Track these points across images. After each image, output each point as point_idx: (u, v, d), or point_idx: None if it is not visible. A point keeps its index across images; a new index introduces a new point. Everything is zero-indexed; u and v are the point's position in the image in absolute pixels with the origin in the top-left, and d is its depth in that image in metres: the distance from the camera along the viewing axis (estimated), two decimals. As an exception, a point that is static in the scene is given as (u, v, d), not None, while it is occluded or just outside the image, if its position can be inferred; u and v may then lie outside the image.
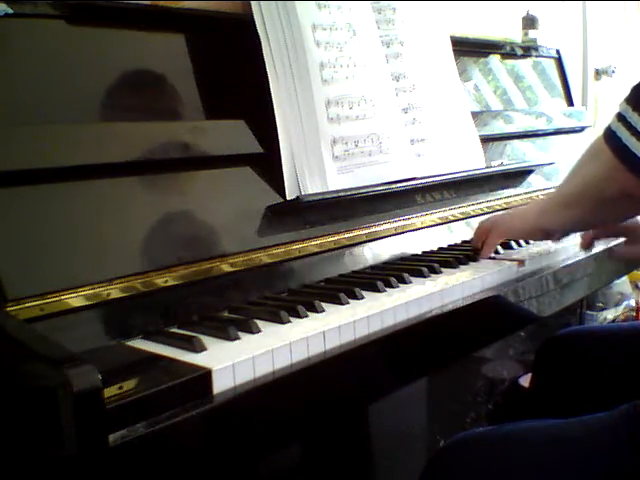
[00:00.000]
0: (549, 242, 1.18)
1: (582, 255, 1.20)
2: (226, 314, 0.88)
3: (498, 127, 1.51)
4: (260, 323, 0.80)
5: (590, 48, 2.55)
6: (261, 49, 1.05)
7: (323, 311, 0.85)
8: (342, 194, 1.07)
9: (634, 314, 2.36)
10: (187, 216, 0.92)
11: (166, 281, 0.85)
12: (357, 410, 1.24)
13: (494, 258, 1.13)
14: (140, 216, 0.87)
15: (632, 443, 0.77)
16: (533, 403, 1.25)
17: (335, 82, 1.11)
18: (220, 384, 0.68)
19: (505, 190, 1.42)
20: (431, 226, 1.23)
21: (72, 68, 0.90)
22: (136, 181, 0.89)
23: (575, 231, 1.18)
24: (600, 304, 2.30)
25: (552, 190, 1.48)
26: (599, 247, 1.25)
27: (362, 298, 0.91)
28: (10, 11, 0.84)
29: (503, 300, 1.01)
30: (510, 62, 1.72)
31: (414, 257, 1.15)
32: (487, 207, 1.35)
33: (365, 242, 1.11)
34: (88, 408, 0.56)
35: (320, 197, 1.05)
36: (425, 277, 1.01)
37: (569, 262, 1.16)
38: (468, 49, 1.57)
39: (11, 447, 0.64)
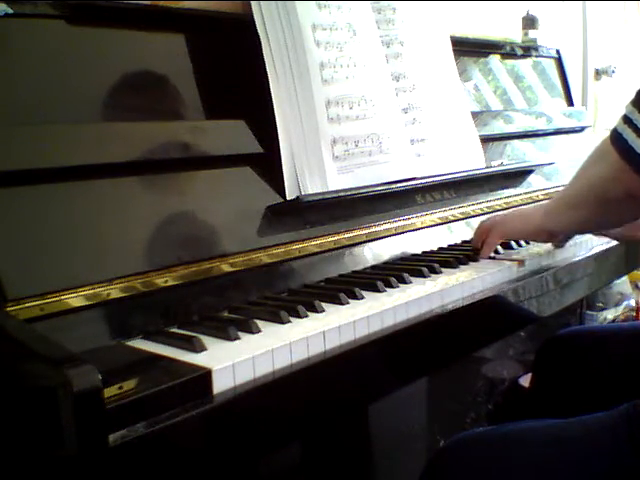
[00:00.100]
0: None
1: (582, 255, 1.20)
2: (226, 314, 0.88)
3: (498, 127, 1.51)
4: (260, 323, 0.80)
5: (590, 48, 2.55)
6: (261, 49, 1.05)
7: (323, 311, 0.85)
8: (342, 194, 1.07)
9: (634, 314, 2.36)
10: (187, 216, 0.92)
11: (166, 281, 0.85)
12: (357, 410, 1.24)
13: (494, 258, 1.13)
14: (140, 216, 0.87)
15: (632, 443, 0.77)
16: (533, 403, 1.25)
17: (335, 82, 1.11)
18: (220, 384, 0.68)
19: (505, 190, 1.42)
20: (431, 226, 1.23)
21: (72, 68, 0.90)
22: (136, 181, 0.89)
23: (579, 232, 1.19)
24: (600, 304, 2.30)
25: (552, 190, 1.50)
26: (599, 247, 1.25)
27: (362, 298, 0.91)
28: (10, 11, 0.84)
29: (503, 300, 1.01)
30: (510, 62, 1.72)
31: (414, 257, 1.15)
32: (487, 207, 1.35)
33: (365, 242, 1.11)
34: (88, 408, 0.56)
35: (320, 197, 1.05)
36: (425, 277, 1.01)
37: (569, 262, 1.16)
38: (468, 49, 1.57)
39: (11, 447, 0.64)
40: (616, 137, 0.85)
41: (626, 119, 0.84)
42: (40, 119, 0.85)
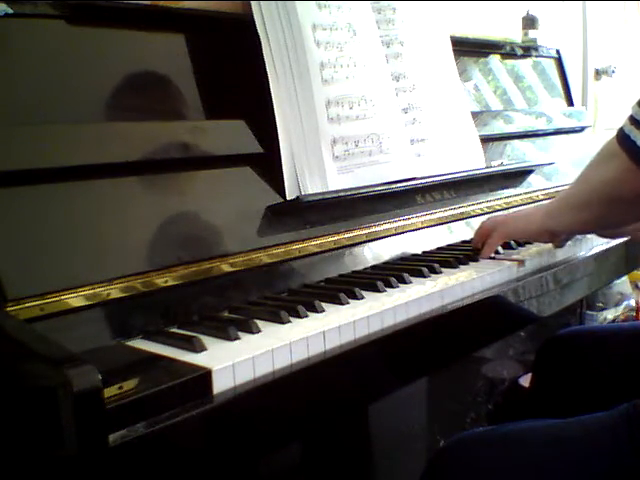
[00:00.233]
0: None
1: (582, 255, 1.20)
2: (226, 314, 0.88)
3: (498, 127, 1.51)
4: (260, 323, 0.80)
5: (590, 48, 2.55)
6: (261, 49, 1.05)
7: (323, 311, 0.85)
8: (342, 194, 1.07)
9: (634, 314, 2.36)
10: (187, 216, 0.92)
11: (166, 281, 0.85)
12: (357, 410, 1.24)
13: (494, 258, 1.13)
14: (140, 216, 0.87)
15: (632, 443, 0.78)
16: (533, 403, 1.25)
17: (335, 82, 1.11)
18: (220, 384, 0.68)
19: (505, 190, 1.42)
20: (431, 226, 1.23)
21: (72, 68, 0.90)
22: (136, 181, 0.89)
23: (582, 233, 1.19)
24: (600, 304, 2.30)
25: (552, 190, 1.50)
26: (599, 247, 1.25)
27: (362, 298, 0.91)
28: (10, 11, 0.84)
29: (503, 300, 1.01)
30: (510, 62, 1.72)
31: (414, 257, 1.15)
32: (487, 207, 1.35)
33: (365, 242, 1.11)
34: (88, 408, 0.56)
35: (320, 197, 1.05)
36: (425, 277, 1.01)
37: (569, 262, 1.16)
38: (468, 49, 1.57)
39: (11, 447, 0.64)
40: (624, 138, 0.85)
41: (633, 120, 0.84)
42: (40, 119, 0.85)
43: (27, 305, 0.72)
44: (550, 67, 1.85)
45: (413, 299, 0.90)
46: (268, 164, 1.03)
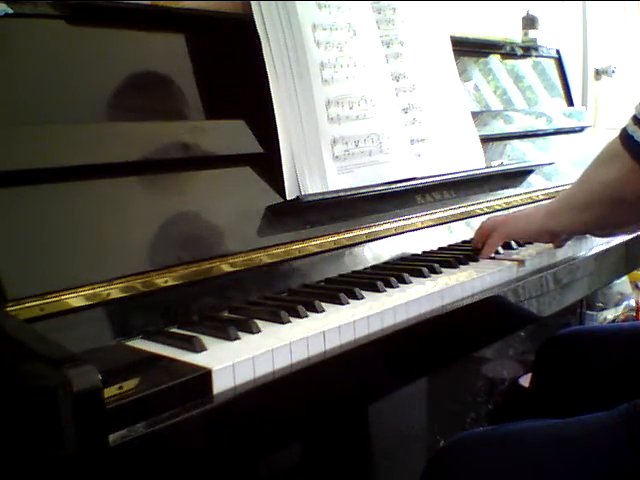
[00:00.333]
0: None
1: (582, 255, 1.20)
2: (226, 314, 0.88)
3: (498, 127, 1.51)
4: (260, 323, 0.80)
5: (590, 48, 2.55)
6: (261, 49, 1.05)
7: (323, 311, 0.85)
8: (342, 194, 1.07)
9: (634, 314, 2.36)
10: (187, 216, 0.92)
11: (166, 281, 0.85)
12: (357, 410, 1.24)
13: (494, 258, 1.13)
14: (140, 216, 0.87)
15: (632, 443, 0.77)
16: (533, 403, 1.25)
17: (335, 82, 1.11)
18: (220, 384, 0.68)
19: (505, 190, 1.42)
20: (431, 226, 1.23)
21: (72, 68, 0.90)
22: (136, 181, 0.89)
23: (582, 234, 1.19)
24: (600, 304, 2.30)
25: (552, 190, 1.50)
26: (599, 247, 1.25)
27: (362, 298, 0.91)
28: (10, 11, 0.84)
29: (503, 300, 1.01)
30: (510, 62, 1.72)
31: (414, 257, 1.15)
32: (487, 207, 1.35)
33: (365, 242, 1.11)
34: (88, 408, 0.56)
35: (320, 197, 1.05)
36: (425, 277, 1.01)
37: (569, 262, 1.16)
38: (468, 49, 1.57)
39: (11, 447, 0.64)
40: (627, 138, 0.85)
41: (636, 120, 0.84)
42: (40, 119, 0.85)
43: (27, 305, 0.72)
44: (550, 67, 1.85)
45: (413, 299, 0.90)
46: (268, 164, 1.03)
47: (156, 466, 0.62)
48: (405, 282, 0.98)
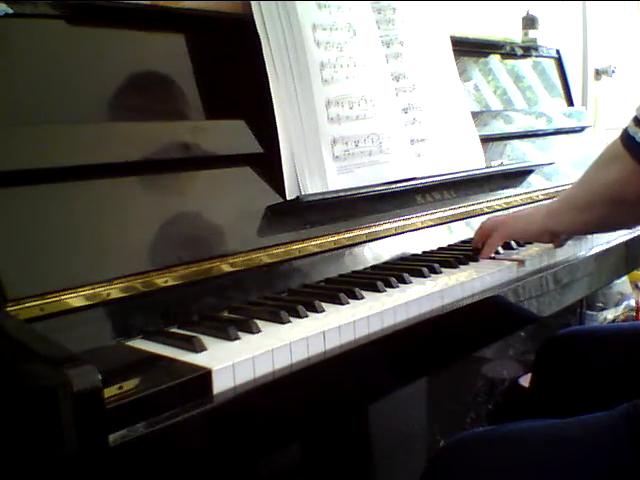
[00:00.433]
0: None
1: (582, 255, 1.20)
2: (226, 314, 0.88)
3: (498, 127, 1.51)
4: (260, 323, 0.80)
5: (590, 48, 2.55)
6: (261, 49, 1.05)
7: (323, 311, 0.85)
8: (342, 194, 1.07)
9: (634, 314, 2.36)
10: (187, 216, 0.92)
11: (166, 281, 0.85)
12: (357, 410, 1.24)
13: (494, 258, 1.13)
14: (140, 216, 0.87)
15: (632, 443, 0.77)
16: (533, 403, 1.25)
17: (335, 82, 1.11)
18: (220, 384, 0.68)
19: (505, 190, 1.42)
20: (431, 226, 1.23)
21: (72, 68, 0.90)
22: (136, 181, 0.89)
23: (583, 234, 1.19)
24: (600, 304, 2.30)
25: (552, 190, 1.50)
26: (599, 247, 1.25)
27: (362, 298, 0.91)
28: (10, 11, 0.84)
29: (503, 300, 1.01)
30: (510, 62, 1.72)
31: (414, 257, 1.15)
32: (487, 207, 1.35)
33: (365, 242, 1.11)
34: (88, 408, 0.56)
35: (320, 197, 1.05)
36: (425, 277, 1.01)
37: (569, 262, 1.16)
38: (468, 49, 1.57)
39: (11, 447, 0.64)
40: (628, 139, 0.85)
41: (637, 121, 0.84)
42: (40, 119, 0.85)
43: (27, 305, 0.72)
44: (550, 67, 1.85)
45: (413, 299, 0.90)
46: (268, 164, 1.03)
47: (156, 466, 0.62)
48: (405, 282, 0.98)
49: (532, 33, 1.86)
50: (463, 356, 1.21)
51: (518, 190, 1.46)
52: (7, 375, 0.65)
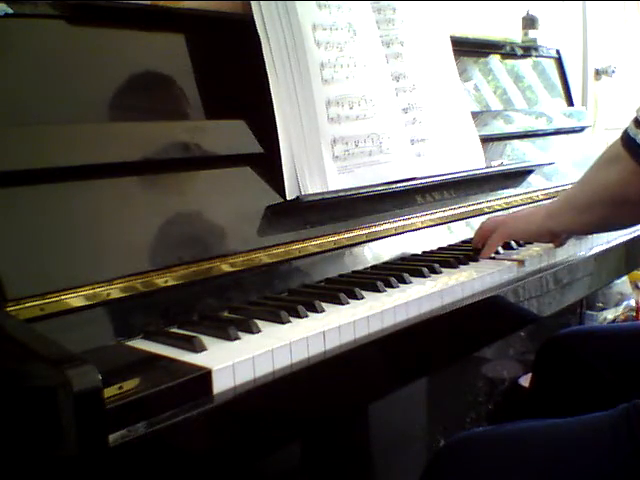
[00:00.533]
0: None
1: (582, 255, 1.20)
2: (226, 314, 0.88)
3: (498, 127, 1.51)
4: (260, 323, 0.80)
5: (590, 48, 2.55)
6: (261, 49, 1.05)
7: (323, 311, 0.85)
8: (342, 194, 1.07)
9: (634, 314, 2.36)
10: (187, 216, 0.92)
11: (166, 281, 0.85)
12: (357, 410, 1.24)
13: (494, 258, 1.13)
14: (140, 216, 0.87)
15: (632, 443, 0.77)
16: (533, 403, 1.25)
17: (335, 82, 1.11)
18: (220, 384, 0.68)
19: (505, 190, 1.42)
20: (431, 226, 1.23)
21: (72, 68, 0.90)
22: (136, 181, 0.89)
23: (583, 234, 1.19)
24: (600, 304, 2.30)
25: (552, 190, 1.50)
26: (599, 247, 1.25)
27: (362, 298, 0.91)
28: (10, 11, 0.84)
29: (503, 300, 1.01)
30: (510, 62, 1.72)
31: (414, 257, 1.15)
32: (487, 207, 1.35)
33: (365, 242, 1.11)
34: (88, 408, 0.56)
35: (320, 197, 1.05)
36: (425, 277, 1.00)
37: (569, 262, 1.16)
38: (468, 49, 1.57)
39: (11, 447, 0.64)
40: (628, 140, 0.85)
41: (638, 122, 0.84)
42: (40, 119, 0.85)
43: (27, 305, 0.72)
44: (550, 67, 1.85)
45: (413, 299, 0.90)
46: (268, 164, 1.03)
47: (156, 466, 0.62)
48: (405, 282, 0.98)
49: (532, 33, 1.86)
50: (463, 356, 1.21)
51: (518, 190, 1.46)
52: (7, 375, 0.64)
